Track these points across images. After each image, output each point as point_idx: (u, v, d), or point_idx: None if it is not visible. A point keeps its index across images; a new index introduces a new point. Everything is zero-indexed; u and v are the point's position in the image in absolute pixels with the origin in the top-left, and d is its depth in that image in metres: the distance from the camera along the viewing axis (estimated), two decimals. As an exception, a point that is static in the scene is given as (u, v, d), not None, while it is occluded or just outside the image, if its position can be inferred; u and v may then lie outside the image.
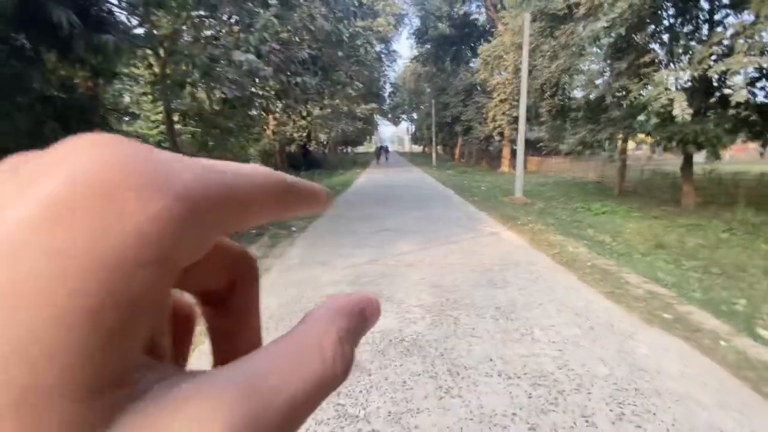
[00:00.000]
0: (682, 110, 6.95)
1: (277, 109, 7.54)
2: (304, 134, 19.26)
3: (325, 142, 35.24)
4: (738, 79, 6.51)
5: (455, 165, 31.55)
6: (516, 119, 23.88)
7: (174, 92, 5.88)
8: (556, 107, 13.15)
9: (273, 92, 7.15)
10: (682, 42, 8.02)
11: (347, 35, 16.54)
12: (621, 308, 3.46)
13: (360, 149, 75.73)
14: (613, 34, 7.95)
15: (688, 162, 11.31)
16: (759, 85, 9.23)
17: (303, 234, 6.43)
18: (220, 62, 5.07)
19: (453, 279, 4.17)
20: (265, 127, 21.53)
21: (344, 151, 56.62)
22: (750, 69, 6.86)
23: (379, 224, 7.14)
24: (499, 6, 24.37)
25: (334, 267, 4.58)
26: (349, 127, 20.02)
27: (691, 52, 7.55)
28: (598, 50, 9.44)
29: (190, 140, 9.40)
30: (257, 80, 5.75)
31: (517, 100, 23.23)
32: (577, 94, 13.08)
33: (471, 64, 31.32)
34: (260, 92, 6.95)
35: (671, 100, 7.18)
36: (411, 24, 32.70)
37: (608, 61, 9.35)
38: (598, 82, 11.07)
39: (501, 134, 25.22)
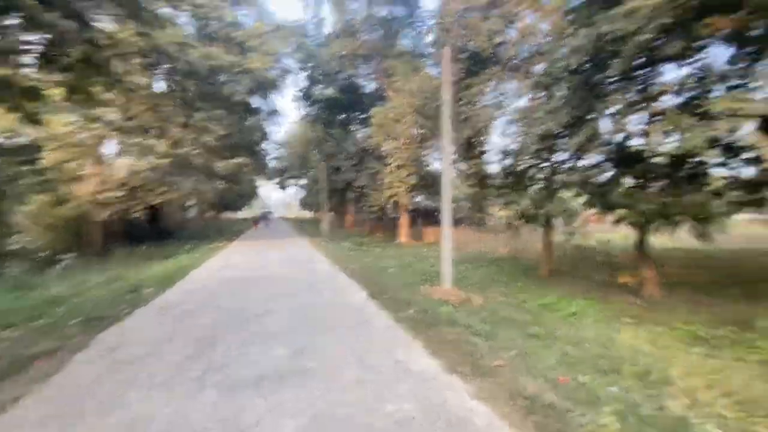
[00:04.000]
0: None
1: None
2: (121, 195, 12.01)
3: (185, 205, 27.19)
4: None
5: (348, 234, 27.02)
6: (414, 186, 20.91)
7: None
8: (481, 170, 9.72)
9: None
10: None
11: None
12: None
13: (241, 214, 66.19)
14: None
15: (644, 239, 8.53)
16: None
17: None
18: None
19: None
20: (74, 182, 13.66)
21: (217, 216, 47.52)
22: None
23: None
24: (390, 71, 22.37)
25: None
26: (205, 186, 13.77)
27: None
28: (569, 85, 6.19)
29: None
30: None
31: (415, 166, 20.49)
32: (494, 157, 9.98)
33: (363, 130, 28.71)
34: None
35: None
36: (298, 81, 29.06)
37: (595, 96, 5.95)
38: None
39: (397, 203, 21.94)
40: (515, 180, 9.81)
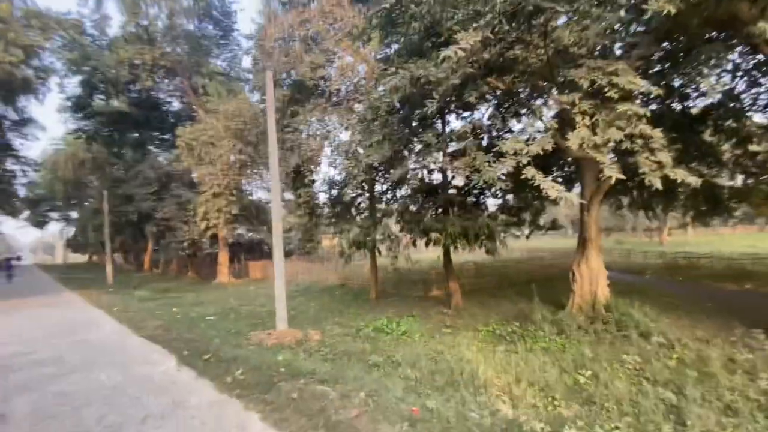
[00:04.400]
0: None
1: None
2: None
3: None
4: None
5: (147, 279, 21.67)
6: (236, 217, 18.73)
7: None
8: (312, 200, 9.45)
9: None
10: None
11: None
12: None
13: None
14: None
15: (448, 257, 10.07)
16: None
17: None
18: None
19: None
20: None
21: None
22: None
23: None
24: (201, 91, 19.94)
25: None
26: None
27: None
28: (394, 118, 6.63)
29: None
30: None
31: (235, 195, 18.47)
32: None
33: (166, 153, 24.22)
34: None
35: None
36: (67, 86, 22.10)
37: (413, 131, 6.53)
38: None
39: (215, 236, 19.10)
40: (344, 209, 9.99)
